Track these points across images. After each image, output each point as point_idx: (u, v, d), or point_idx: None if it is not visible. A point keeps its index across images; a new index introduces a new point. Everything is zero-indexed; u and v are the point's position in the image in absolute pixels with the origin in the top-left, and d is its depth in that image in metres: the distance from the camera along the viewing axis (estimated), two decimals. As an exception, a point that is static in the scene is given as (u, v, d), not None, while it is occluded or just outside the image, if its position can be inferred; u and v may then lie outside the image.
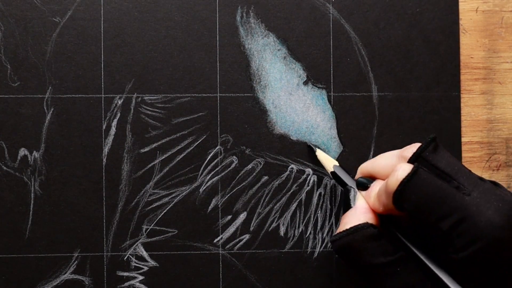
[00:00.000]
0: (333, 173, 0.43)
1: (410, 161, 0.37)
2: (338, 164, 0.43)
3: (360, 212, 0.39)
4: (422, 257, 0.36)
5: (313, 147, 0.44)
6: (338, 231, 0.38)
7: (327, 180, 0.45)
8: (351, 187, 0.41)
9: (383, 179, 0.39)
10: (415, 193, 0.35)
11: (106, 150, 0.44)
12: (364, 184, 0.40)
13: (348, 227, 0.37)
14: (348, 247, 0.37)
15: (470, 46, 0.46)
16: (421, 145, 0.37)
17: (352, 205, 0.40)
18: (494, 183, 0.37)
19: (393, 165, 0.38)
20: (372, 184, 0.39)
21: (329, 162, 0.43)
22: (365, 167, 0.41)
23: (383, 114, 0.45)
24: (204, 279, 0.44)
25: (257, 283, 0.45)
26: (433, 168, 0.36)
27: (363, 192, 0.40)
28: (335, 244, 0.38)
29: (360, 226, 0.37)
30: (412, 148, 0.37)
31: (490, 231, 0.33)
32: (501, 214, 0.34)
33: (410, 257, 0.37)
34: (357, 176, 0.42)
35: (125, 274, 0.44)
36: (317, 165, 0.45)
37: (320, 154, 0.44)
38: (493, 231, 0.33)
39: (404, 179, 0.35)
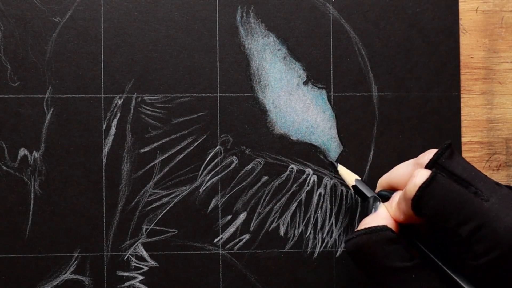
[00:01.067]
0: (354, 186, 0.42)
1: (427, 167, 0.37)
2: (359, 178, 0.43)
3: (380, 217, 0.38)
4: (440, 263, 0.36)
5: (335, 164, 0.44)
6: (355, 230, 0.38)
7: (327, 180, 0.45)
8: (372, 196, 0.41)
9: (402, 189, 0.39)
10: (433, 198, 0.35)
11: (106, 150, 0.44)
12: (385, 196, 0.40)
13: (367, 227, 0.37)
14: (364, 246, 0.37)
15: (470, 46, 0.46)
16: (437, 151, 0.37)
17: (371, 212, 0.40)
18: (510, 187, 0.37)
19: (410, 173, 0.38)
20: (393, 195, 0.39)
21: (351, 177, 0.43)
22: (384, 180, 0.41)
23: (383, 114, 0.45)
24: (204, 279, 0.44)
25: (257, 283, 0.45)
26: (450, 174, 0.36)
27: (385, 203, 0.39)
28: (351, 242, 0.37)
29: (379, 227, 0.37)
30: (428, 155, 0.37)
31: (509, 237, 0.33)
32: None
33: (426, 265, 0.36)
34: (378, 189, 0.42)
35: (125, 274, 0.44)
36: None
37: (342, 170, 0.44)
38: None
39: (422, 184, 0.35)
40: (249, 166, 0.45)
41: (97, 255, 0.44)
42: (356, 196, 0.44)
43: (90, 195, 0.44)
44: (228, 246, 0.45)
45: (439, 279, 0.36)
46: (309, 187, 0.45)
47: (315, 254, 0.45)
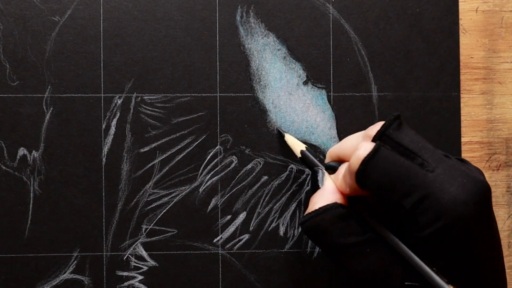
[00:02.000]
0: (301, 157, 0.42)
1: (374, 139, 0.36)
2: (305, 148, 0.42)
3: (328, 192, 0.38)
4: (389, 236, 0.36)
5: (282, 132, 0.44)
6: (307, 212, 0.38)
7: (327, 180, 0.45)
8: (318, 168, 0.40)
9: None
10: (377, 172, 0.34)
11: (105, 149, 0.44)
12: (333, 167, 0.39)
13: (316, 207, 0.37)
14: (317, 227, 0.37)
15: (470, 46, 0.46)
16: (384, 123, 0.36)
17: (320, 186, 0.39)
18: (461, 160, 0.36)
19: (358, 140, 0.38)
20: (340, 166, 0.39)
21: (297, 147, 0.43)
22: (333, 151, 0.40)
23: (383, 114, 0.45)
24: (203, 279, 0.44)
25: (256, 283, 0.45)
26: (397, 145, 0.35)
27: (332, 175, 0.39)
28: (305, 225, 0.37)
29: (329, 206, 0.37)
30: (376, 127, 0.36)
31: (453, 207, 0.32)
32: (464, 190, 0.33)
33: (378, 238, 0.36)
34: (327, 160, 0.41)
35: (125, 273, 0.44)
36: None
37: (289, 139, 0.43)
38: (457, 207, 0.32)
39: (365, 157, 0.35)
40: (249, 166, 0.45)
41: (96, 254, 0.44)
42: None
43: (89, 195, 0.44)
44: (227, 246, 0.45)
45: (392, 252, 0.36)
46: (308, 187, 0.45)
47: (315, 254, 0.45)
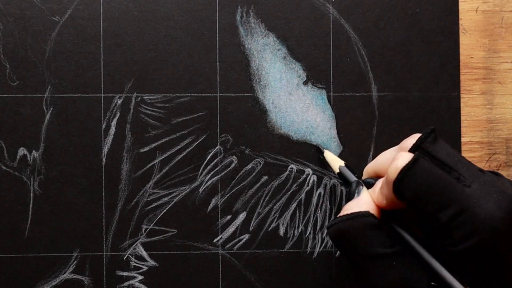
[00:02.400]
0: (339, 173, 0.42)
1: (410, 152, 0.36)
2: (344, 164, 0.43)
3: (363, 202, 0.38)
4: (419, 249, 0.36)
5: (322, 148, 0.44)
6: (337, 216, 0.38)
7: (327, 180, 0.45)
8: (355, 181, 0.40)
9: None
10: (415, 182, 0.34)
11: (105, 149, 0.44)
12: (370, 183, 0.40)
13: (349, 213, 0.37)
14: (346, 232, 0.36)
15: (470, 46, 0.46)
16: (420, 136, 0.36)
17: (356, 197, 0.39)
18: (495, 173, 0.36)
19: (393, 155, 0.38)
20: (377, 181, 0.39)
21: (336, 163, 0.43)
22: (370, 167, 0.41)
23: (383, 114, 0.45)
24: (203, 279, 0.44)
25: (256, 283, 0.45)
26: (433, 158, 0.35)
27: (369, 190, 0.39)
28: (333, 228, 0.37)
29: (361, 213, 0.37)
30: (411, 140, 0.37)
31: (489, 223, 0.33)
32: (500, 207, 0.33)
33: (407, 252, 0.36)
34: (364, 177, 0.42)
35: (125, 273, 0.44)
36: (323, 166, 0.45)
37: (328, 155, 0.44)
38: (492, 223, 0.33)
39: (404, 167, 0.35)
40: (249, 166, 0.45)
41: (96, 254, 0.44)
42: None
43: (89, 195, 0.44)
44: (227, 246, 0.45)
45: (419, 267, 0.36)
46: (308, 187, 0.45)
47: (315, 254, 0.45)
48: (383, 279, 0.36)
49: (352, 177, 0.41)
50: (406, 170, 0.35)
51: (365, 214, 0.37)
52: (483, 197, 0.33)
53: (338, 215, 0.38)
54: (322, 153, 0.44)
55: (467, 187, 0.34)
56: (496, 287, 0.34)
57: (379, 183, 0.38)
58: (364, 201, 0.38)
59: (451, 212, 0.33)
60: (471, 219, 0.33)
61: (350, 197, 0.40)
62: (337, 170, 0.43)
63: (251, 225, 0.45)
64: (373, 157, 0.45)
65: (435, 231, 0.35)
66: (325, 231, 0.45)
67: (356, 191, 0.39)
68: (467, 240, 0.33)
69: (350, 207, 0.38)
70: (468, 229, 0.33)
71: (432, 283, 0.35)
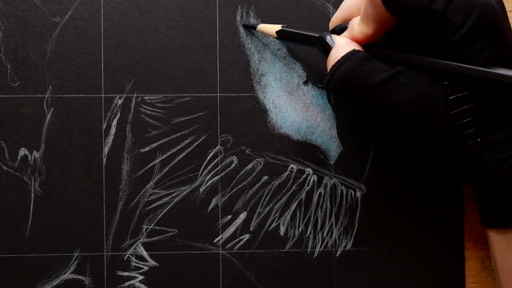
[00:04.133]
0: (282, 32, 0.42)
1: None
2: (284, 25, 0.42)
3: (343, 45, 0.38)
4: (421, 58, 0.37)
5: (253, 25, 0.44)
6: (328, 70, 0.38)
7: (327, 180, 0.45)
8: (322, 34, 0.40)
9: (358, 15, 0.39)
10: None
11: (106, 150, 0.44)
12: (342, 27, 0.40)
13: (336, 60, 0.38)
14: (344, 77, 0.37)
15: (470, 46, 0.46)
16: None
17: (332, 46, 0.39)
18: None
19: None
20: (350, 22, 0.39)
21: (274, 28, 0.42)
22: (335, 18, 0.41)
23: (383, 114, 0.45)
24: (204, 279, 0.44)
25: (257, 283, 0.45)
26: None
27: (344, 32, 0.39)
28: (332, 80, 0.38)
29: (349, 53, 0.37)
30: None
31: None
32: None
33: (409, 68, 0.37)
34: (331, 29, 0.42)
35: (125, 274, 0.44)
36: (324, 166, 0.45)
37: (262, 26, 0.43)
38: None
39: None
40: (249, 166, 0.45)
41: (97, 255, 0.44)
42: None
43: (90, 195, 0.44)
44: (228, 246, 0.45)
45: (425, 77, 0.37)
46: (309, 187, 0.45)
47: (315, 254, 0.45)
48: (399, 98, 0.37)
49: (309, 34, 0.41)
50: None
51: (354, 52, 0.37)
52: None
53: (328, 70, 0.38)
54: (254, 28, 0.44)
55: None
56: (501, 61, 0.36)
57: (355, 20, 0.39)
58: (344, 44, 0.38)
59: None
60: (463, 1, 0.35)
61: (325, 50, 0.39)
62: (274, 35, 0.42)
63: (252, 225, 0.45)
64: (373, 157, 0.45)
65: (432, 27, 0.35)
66: (325, 231, 0.45)
67: (329, 42, 0.39)
68: (467, 20, 0.35)
69: (334, 56, 0.38)
70: (465, 9, 0.35)
71: (450, 97, 0.36)
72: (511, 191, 0.37)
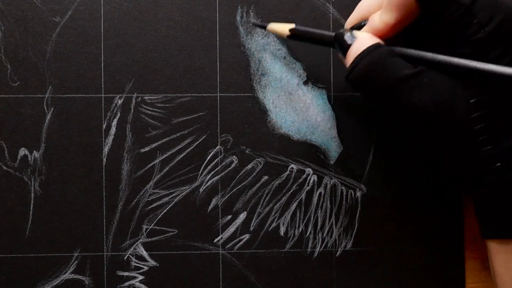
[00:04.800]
0: (294, 32, 0.41)
1: None
2: (294, 25, 0.42)
3: (366, 39, 0.37)
4: (445, 58, 0.36)
5: (263, 25, 0.43)
6: (348, 65, 0.37)
7: (327, 180, 0.45)
8: (339, 31, 0.39)
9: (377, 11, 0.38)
10: None
11: (106, 150, 0.44)
12: (360, 26, 0.39)
13: (359, 52, 0.37)
14: (370, 67, 0.36)
15: (470, 46, 0.46)
16: None
17: (352, 42, 0.38)
18: None
19: None
20: (369, 19, 0.38)
21: (285, 27, 0.42)
22: (352, 18, 0.40)
23: (383, 114, 0.45)
24: (204, 279, 0.44)
25: (257, 283, 0.45)
26: None
27: (365, 27, 0.38)
28: (355, 71, 0.36)
29: (372, 46, 0.36)
30: None
31: (506, 1, 0.34)
32: None
33: (432, 67, 0.36)
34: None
35: (125, 274, 0.44)
36: (324, 166, 0.45)
37: (272, 26, 0.42)
38: (508, 1, 0.34)
39: None
40: (249, 166, 0.45)
41: (97, 255, 0.44)
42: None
43: (90, 195, 0.44)
44: (228, 246, 0.45)
45: (447, 78, 0.36)
46: (309, 187, 0.45)
47: (315, 254, 0.45)
48: (419, 97, 0.36)
49: (318, 30, 0.40)
50: None
51: (378, 45, 0.36)
52: None
53: (348, 66, 0.37)
54: (264, 28, 0.43)
55: None
56: None
57: (375, 15, 0.38)
58: (366, 38, 0.37)
59: None
60: (489, 1, 0.34)
61: (342, 48, 0.38)
62: (286, 35, 0.41)
63: (252, 225, 0.45)
64: (373, 157, 0.45)
65: (457, 21, 0.35)
66: (326, 231, 0.45)
67: (348, 38, 0.38)
68: (492, 20, 0.34)
69: (356, 50, 0.37)
70: (492, 8, 0.34)
71: (471, 100, 0.35)
72: None
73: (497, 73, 0.34)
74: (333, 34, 0.39)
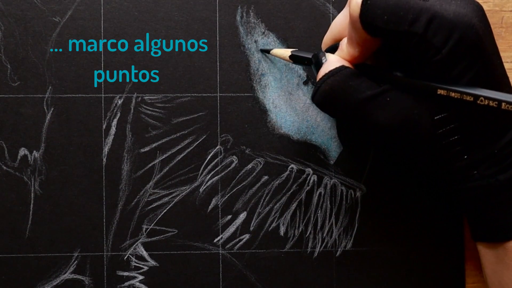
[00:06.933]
0: (293, 56, 0.42)
1: None
2: (295, 49, 0.43)
3: (334, 61, 0.38)
4: (404, 79, 0.37)
5: (267, 50, 0.44)
6: (316, 82, 0.38)
7: (327, 180, 0.45)
8: (315, 53, 0.40)
9: (346, 35, 0.39)
10: (379, 8, 0.35)
11: (106, 149, 0.44)
12: (333, 48, 0.40)
13: (325, 73, 0.38)
14: (331, 90, 0.37)
15: (470, 46, 0.46)
16: None
17: (324, 62, 0.39)
18: None
19: (347, 15, 0.38)
20: (340, 42, 0.39)
21: (286, 52, 0.43)
22: (327, 39, 0.41)
23: (383, 114, 0.45)
24: (204, 279, 0.44)
25: (257, 283, 0.45)
26: None
27: (336, 52, 0.39)
28: (318, 93, 0.37)
29: (337, 68, 0.37)
30: None
31: (461, 19, 0.34)
32: (463, 5, 0.35)
33: (395, 87, 0.37)
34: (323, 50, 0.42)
35: (125, 273, 0.44)
36: (324, 166, 0.45)
37: (275, 51, 0.44)
38: (464, 18, 0.34)
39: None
40: (249, 166, 0.45)
41: (97, 255, 0.44)
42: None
43: (90, 195, 0.44)
44: (228, 246, 0.45)
45: (411, 96, 0.37)
46: (309, 187, 0.45)
47: (315, 254, 0.45)
48: (385, 115, 0.36)
49: (310, 54, 0.41)
50: (365, 1, 0.35)
51: (341, 68, 0.37)
52: (443, 3, 0.35)
53: (316, 83, 0.38)
54: (269, 52, 0.44)
55: (425, 0, 0.35)
56: (484, 80, 0.35)
57: (343, 41, 0.39)
58: (334, 60, 0.38)
59: (424, 20, 0.34)
60: (443, 21, 0.34)
61: (317, 66, 0.39)
62: (288, 58, 0.42)
63: (252, 225, 0.45)
64: (373, 157, 0.45)
65: (414, 49, 0.35)
66: (325, 231, 0.45)
67: (322, 59, 0.39)
68: (449, 41, 0.34)
69: (323, 71, 0.38)
70: (445, 31, 0.34)
71: (435, 117, 0.36)
72: (497, 205, 0.37)
73: (457, 92, 0.35)
74: (313, 53, 0.41)
